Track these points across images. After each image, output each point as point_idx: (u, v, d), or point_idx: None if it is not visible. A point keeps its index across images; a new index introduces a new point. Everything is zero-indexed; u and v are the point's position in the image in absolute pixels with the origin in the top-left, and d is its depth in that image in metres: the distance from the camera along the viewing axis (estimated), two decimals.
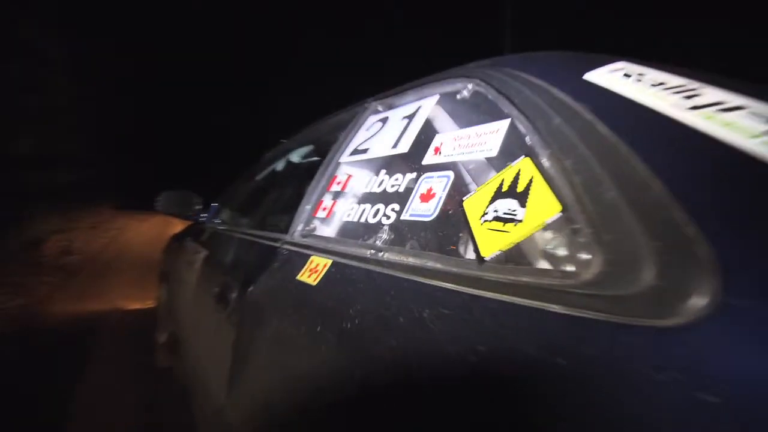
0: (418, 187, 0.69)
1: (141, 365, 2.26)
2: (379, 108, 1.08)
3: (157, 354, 2.23)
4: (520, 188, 0.51)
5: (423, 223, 0.63)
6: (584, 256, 0.41)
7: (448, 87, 0.86)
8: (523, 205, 0.49)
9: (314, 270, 0.76)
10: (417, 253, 0.60)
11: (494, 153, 0.59)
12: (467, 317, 0.45)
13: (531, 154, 0.53)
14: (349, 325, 0.57)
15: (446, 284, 0.50)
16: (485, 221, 0.52)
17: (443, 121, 0.79)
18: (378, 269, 0.62)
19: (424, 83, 0.97)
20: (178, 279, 1.87)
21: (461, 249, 0.52)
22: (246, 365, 0.83)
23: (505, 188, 0.53)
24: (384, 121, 0.98)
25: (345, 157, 1.01)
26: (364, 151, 0.95)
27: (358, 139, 1.03)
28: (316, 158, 1.46)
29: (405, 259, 0.60)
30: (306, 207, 1.01)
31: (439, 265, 0.54)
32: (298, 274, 0.80)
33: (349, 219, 0.82)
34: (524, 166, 0.53)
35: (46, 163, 6.31)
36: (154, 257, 3.25)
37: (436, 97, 0.86)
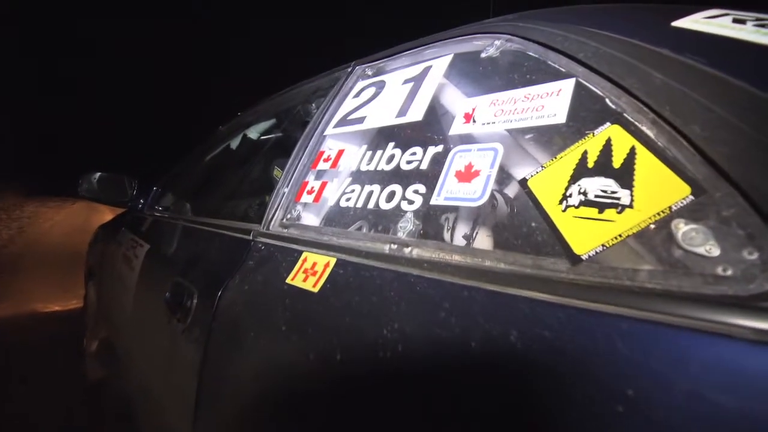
0: (451, 163, 0.54)
1: (67, 380, 1.91)
2: (368, 72, 0.91)
3: (87, 365, 1.90)
4: (616, 163, 0.39)
5: (469, 209, 0.49)
6: (746, 255, 0.30)
7: (465, 46, 0.72)
8: (626, 185, 0.37)
9: (312, 271, 0.59)
10: (470, 251, 0.46)
11: (560, 120, 0.46)
12: (577, 337, 0.32)
13: (621, 120, 0.41)
14: (388, 354, 0.42)
15: (529, 293, 0.37)
16: (569, 207, 0.40)
17: (467, 84, 0.65)
18: (413, 271, 0.47)
19: (425, 44, 0.82)
20: (112, 277, 1.57)
21: (537, 243, 0.40)
22: (220, 396, 0.65)
23: (591, 163, 0.41)
24: (379, 86, 0.82)
25: (331, 129, 0.83)
26: (359, 120, 0.78)
27: (345, 108, 0.85)
28: (284, 134, 1.25)
29: (453, 258, 0.46)
30: (283, 190, 0.82)
31: (511, 267, 0.41)
32: (287, 275, 0.63)
33: (350, 204, 0.66)
34: (615, 135, 0.41)
35: None
36: (76, 251, 2.78)
37: (450, 57, 0.71)
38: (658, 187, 0.35)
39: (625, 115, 0.41)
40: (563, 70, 0.50)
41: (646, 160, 0.37)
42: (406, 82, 0.76)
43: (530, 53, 0.57)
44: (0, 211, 6.55)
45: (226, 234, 0.90)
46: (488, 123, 0.54)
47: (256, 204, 1.03)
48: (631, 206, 0.36)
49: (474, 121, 0.56)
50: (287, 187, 0.82)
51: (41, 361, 2.14)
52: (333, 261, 0.58)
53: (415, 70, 0.76)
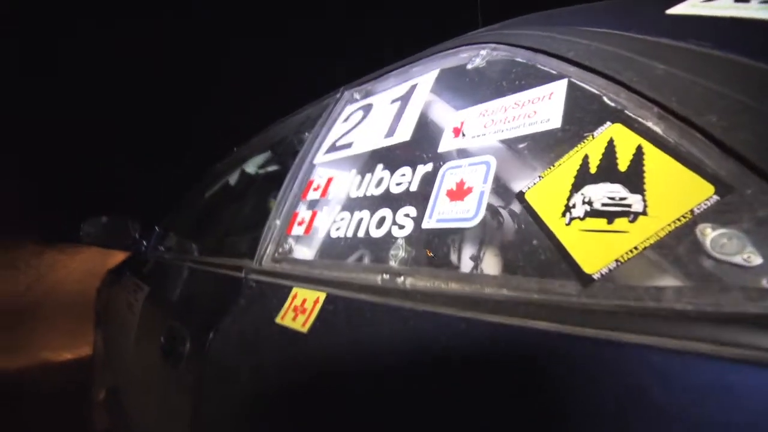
0: (441, 181, 0.50)
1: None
2: (356, 96, 0.89)
3: (95, 415, 1.83)
4: (622, 165, 0.34)
5: (462, 231, 0.45)
6: None
7: (450, 60, 0.69)
8: (637, 189, 0.33)
9: (301, 309, 0.55)
10: (467, 277, 0.41)
11: (554, 124, 0.42)
12: (596, 374, 0.27)
13: (622, 117, 0.36)
14: (380, 398, 0.37)
15: (535, 323, 0.32)
16: (573, 219, 0.35)
17: (455, 98, 0.61)
18: (406, 304, 0.42)
19: (412, 62, 0.80)
20: (116, 323, 1.53)
21: (541, 264, 0.35)
22: None
23: (593, 168, 0.36)
24: (366, 109, 0.80)
25: (321, 157, 0.80)
26: (347, 146, 0.75)
27: (334, 134, 0.83)
28: (278, 166, 1.23)
29: (450, 287, 0.41)
30: (275, 222, 0.79)
31: (514, 293, 0.35)
32: (276, 315, 0.58)
33: (340, 234, 0.62)
34: (617, 134, 0.36)
35: None
36: (88, 297, 2.79)
37: (436, 73, 0.68)
38: (675, 189, 0.30)
39: (626, 112, 0.36)
40: (554, 72, 0.47)
41: (656, 159, 0.33)
42: (393, 102, 0.73)
43: (518, 59, 0.54)
44: (20, 260, 6.67)
45: (219, 272, 0.86)
46: (478, 135, 0.50)
47: (249, 239, 1.00)
48: (644, 213, 0.31)
49: (463, 135, 0.53)
50: (278, 219, 0.79)
51: (51, 411, 2.09)
52: (323, 296, 0.53)
53: (402, 89, 0.73)
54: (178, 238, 1.40)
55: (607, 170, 0.35)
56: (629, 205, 0.32)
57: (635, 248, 0.30)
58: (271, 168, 1.29)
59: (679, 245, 0.29)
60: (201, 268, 0.97)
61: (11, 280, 5.52)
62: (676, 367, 0.24)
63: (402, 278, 0.47)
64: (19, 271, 6.05)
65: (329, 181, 0.73)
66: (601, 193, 0.34)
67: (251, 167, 1.37)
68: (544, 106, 0.45)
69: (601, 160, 0.36)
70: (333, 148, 0.79)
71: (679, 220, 0.29)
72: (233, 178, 1.44)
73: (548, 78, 0.47)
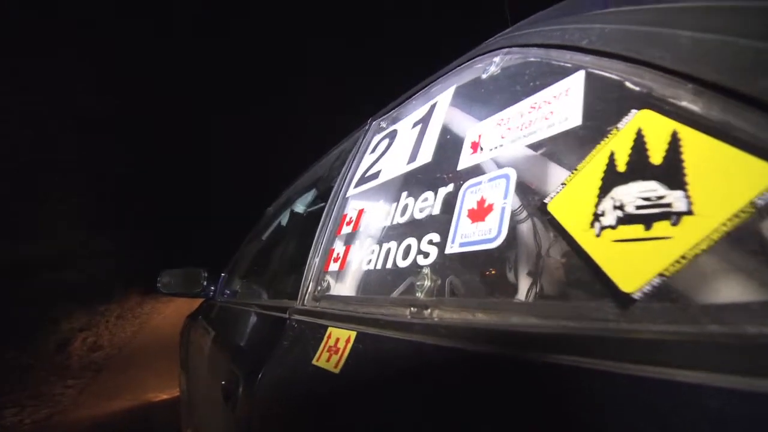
0: (462, 201, 0.47)
1: None
2: (383, 124, 0.89)
3: None
4: (655, 158, 0.29)
5: (485, 253, 0.40)
6: None
7: (466, 73, 0.66)
8: (677, 184, 0.27)
9: (334, 349, 0.53)
10: (493, 306, 0.37)
11: (574, 123, 0.37)
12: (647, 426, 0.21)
13: (650, 101, 0.31)
14: None
15: (569, 358, 0.26)
16: (604, 229, 0.30)
17: (472, 111, 0.58)
18: (430, 340, 0.39)
19: (431, 82, 0.78)
20: (193, 365, 1.65)
21: (573, 285, 0.30)
22: None
23: (622, 166, 0.31)
24: (392, 136, 0.79)
25: (352, 190, 0.81)
26: (374, 176, 0.74)
27: (363, 165, 0.83)
28: (320, 203, 1.27)
29: (476, 318, 0.37)
30: (314, 261, 0.79)
31: (544, 322, 0.30)
32: (313, 356, 0.57)
33: (370, 267, 0.60)
34: (646, 122, 0.31)
35: (64, 260, 6.38)
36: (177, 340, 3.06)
37: (452, 89, 0.66)
38: (727, 177, 0.24)
39: (653, 94, 0.31)
40: (568, 65, 0.42)
41: (697, 145, 0.27)
42: (415, 125, 0.72)
43: (531, 59, 0.50)
44: (127, 311, 7.59)
45: (268, 314, 0.88)
46: (496, 147, 0.46)
47: (294, 279, 1.02)
48: (690, 212, 0.25)
49: (481, 149, 0.49)
50: (317, 257, 0.80)
51: None
52: (353, 335, 0.51)
53: (422, 111, 0.72)
54: (237, 283, 1.48)
55: (639, 166, 0.29)
56: (669, 205, 0.26)
57: (683, 257, 0.24)
58: (315, 206, 1.33)
59: (741, 249, 0.23)
60: (254, 311, 1.01)
61: (121, 328, 6.28)
62: (747, 413, 0.18)
63: (429, 311, 0.43)
64: (126, 320, 6.87)
65: (360, 213, 0.72)
66: (633, 194, 0.29)
67: (299, 207, 1.43)
68: (561, 105, 0.40)
69: (630, 155, 0.31)
70: (362, 179, 0.79)
71: (737, 216, 0.23)
72: (284, 219, 1.51)
73: (563, 73, 0.42)
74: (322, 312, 0.66)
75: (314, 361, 0.55)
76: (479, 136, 0.51)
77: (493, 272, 0.40)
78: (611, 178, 0.31)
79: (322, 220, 0.86)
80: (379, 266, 0.58)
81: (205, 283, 1.64)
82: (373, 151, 0.83)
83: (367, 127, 0.96)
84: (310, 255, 0.83)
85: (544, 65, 0.46)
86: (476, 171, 0.48)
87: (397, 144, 0.74)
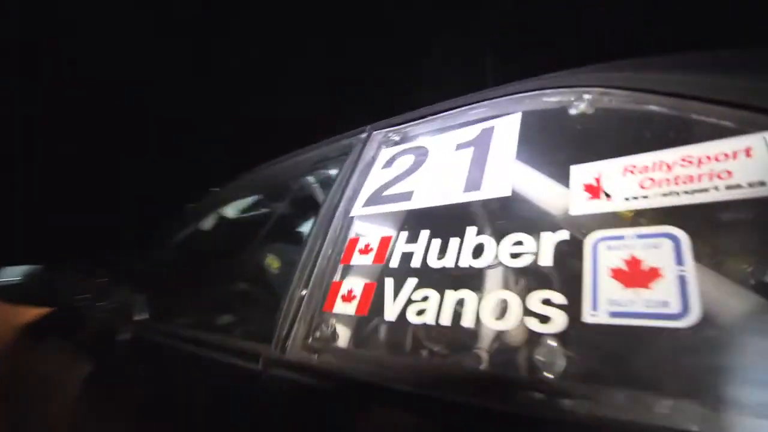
0: (595, 257, 0.37)
1: None
2: (393, 137, 0.76)
3: None
4: None
5: (667, 333, 0.31)
6: None
7: (532, 103, 0.59)
8: None
9: None
10: (680, 411, 0.27)
11: None
12: None
13: None
14: None
15: None
16: None
17: (563, 148, 0.51)
18: None
19: (469, 103, 0.69)
20: (32, 402, 1.16)
21: None
22: None
23: None
24: (418, 153, 0.67)
25: (360, 209, 0.65)
26: (402, 197, 0.61)
27: (375, 181, 0.68)
28: (275, 212, 1.04)
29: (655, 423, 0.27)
30: (300, 294, 0.60)
31: None
32: None
33: (426, 319, 0.45)
34: None
35: None
36: None
37: (517, 116, 0.58)
38: None
39: None
40: (729, 123, 0.38)
41: None
42: (460, 147, 0.61)
43: (653, 107, 0.45)
44: None
45: (221, 359, 0.63)
46: (635, 198, 0.39)
47: (260, 315, 0.78)
48: None
49: (608, 196, 0.41)
50: (305, 289, 0.61)
51: None
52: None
53: (469, 133, 0.62)
54: (139, 298, 1.11)
55: None
56: None
57: None
58: (263, 215, 1.10)
59: None
60: (192, 351, 0.72)
61: None
62: None
63: (569, 402, 0.32)
64: None
65: (385, 241, 0.57)
66: None
67: (232, 211, 1.17)
68: (742, 166, 0.34)
69: None
70: (378, 198, 0.64)
71: None
72: (221, 226, 1.21)
73: (725, 130, 0.37)
74: (332, 371, 0.48)
75: None
76: (596, 179, 0.43)
77: (677, 363, 0.31)
78: None
79: (308, 240, 0.68)
80: (444, 321, 0.44)
81: (73, 288, 1.20)
82: (388, 166, 0.70)
83: (365, 136, 0.82)
84: (292, 285, 0.63)
85: (684, 119, 0.41)
86: (606, 221, 0.40)
87: (432, 165, 0.63)
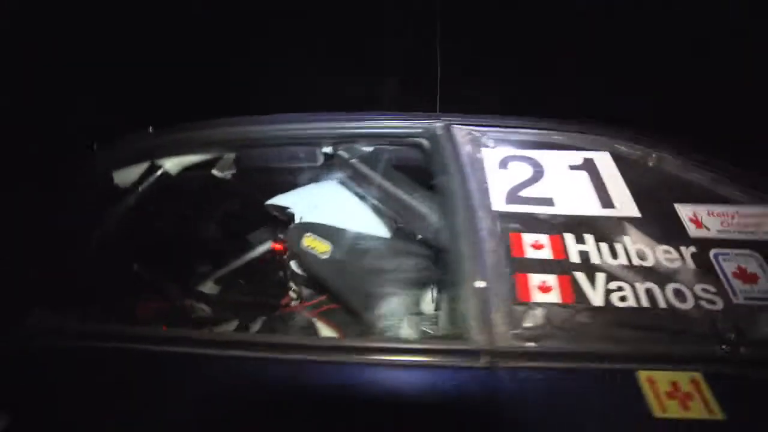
0: (719, 264, 0.64)
1: None
2: (488, 142, 0.83)
3: None
4: None
5: None
6: None
7: (612, 147, 0.82)
8: None
9: (679, 394, 0.51)
10: None
11: None
12: None
13: None
14: None
15: None
16: None
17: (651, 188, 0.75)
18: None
19: (561, 130, 0.85)
20: None
21: None
22: None
23: None
24: (532, 165, 0.78)
25: (505, 206, 0.71)
26: (541, 201, 0.73)
27: (500, 180, 0.75)
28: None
29: None
30: (476, 286, 0.61)
31: None
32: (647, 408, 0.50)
33: (629, 304, 0.60)
34: None
35: None
36: None
37: (607, 155, 0.80)
38: None
39: None
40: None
41: None
42: (573, 168, 0.77)
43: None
44: None
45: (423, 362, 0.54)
46: (726, 231, 0.68)
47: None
48: None
49: (708, 229, 0.68)
50: (482, 281, 0.62)
51: None
52: (698, 376, 0.53)
53: (575, 157, 0.79)
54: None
55: None
56: None
57: None
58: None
59: None
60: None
61: None
62: None
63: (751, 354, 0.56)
64: None
65: (556, 240, 0.67)
66: None
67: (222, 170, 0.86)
68: None
69: None
70: (518, 198, 0.73)
71: None
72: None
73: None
74: (555, 354, 0.56)
75: (656, 414, 0.49)
76: (695, 214, 0.70)
77: None
78: None
79: (454, 230, 0.68)
80: (643, 304, 0.60)
81: None
82: (504, 168, 0.78)
83: (441, 127, 0.83)
84: (459, 276, 0.63)
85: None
86: (713, 243, 0.67)
87: (554, 177, 0.76)
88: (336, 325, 0.80)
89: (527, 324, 0.59)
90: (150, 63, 2.04)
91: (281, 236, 0.93)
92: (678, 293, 0.61)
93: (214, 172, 0.94)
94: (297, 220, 0.91)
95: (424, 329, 0.72)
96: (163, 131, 0.91)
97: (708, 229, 0.69)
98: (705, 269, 0.64)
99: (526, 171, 0.77)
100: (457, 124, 0.85)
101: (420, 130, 0.85)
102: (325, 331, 0.79)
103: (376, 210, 0.89)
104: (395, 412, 0.52)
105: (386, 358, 0.58)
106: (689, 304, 0.61)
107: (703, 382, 0.53)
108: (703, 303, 0.61)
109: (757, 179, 0.74)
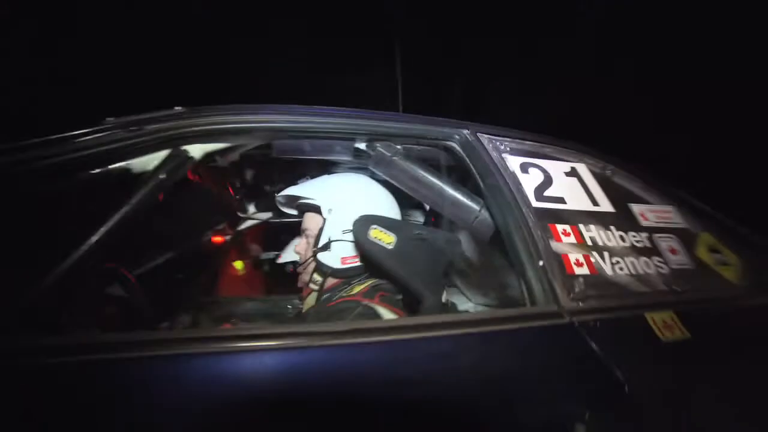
0: (660, 241, 0.97)
1: None
2: (506, 147, 1.02)
3: None
4: None
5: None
6: None
7: (585, 163, 1.10)
8: None
9: (667, 325, 0.79)
10: None
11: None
12: None
13: None
14: None
15: None
16: None
17: (611, 192, 1.06)
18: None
19: (553, 145, 1.09)
20: None
21: None
22: None
23: None
24: (541, 171, 1.01)
25: (536, 203, 0.91)
26: (557, 200, 0.95)
27: (525, 182, 0.95)
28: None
29: None
30: (538, 264, 0.80)
31: None
32: (654, 336, 0.76)
33: (629, 270, 0.87)
34: None
35: None
36: None
37: (583, 166, 1.08)
38: None
39: None
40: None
41: None
42: (567, 175, 1.03)
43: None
44: None
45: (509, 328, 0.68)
46: (655, 222, 1.02)
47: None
48: None
49: (648, 220, 1.02)
50: (540, 260, 0.81)
51: None
52: (673, 314, 0.81)
53: (565, 167, 1.04)
54: None
55: None
56: None
57: None
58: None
59: None
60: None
61: None
62: None
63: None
64: None
65: (575, 229, 0.90)
66: None
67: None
68: (668, 216, 1.06)
69: None
70: (543, 197, 0.94)
71: None
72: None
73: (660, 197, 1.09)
74: (599, 308, 0.79)
75: (663, 338, 0.76)
76: (641, 211, 1.03)
77: None
78: None
79: (507, 223, 0.85)
80: (632, 272, 0.88)
81: None
82: (525, 172, 0.98)
83: (467, 134, 0.99)
84: (523, 259, 0.81)
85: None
86: (654, 229, 1.00)
87: (558, 181, 0.99)
88: (399, 310, 0.87)
89: (577, 290, 0.80)
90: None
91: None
92: (646, 264, 0.91)
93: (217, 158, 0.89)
94: (325, 212, 0.94)
95: (490, 303, 0.87)
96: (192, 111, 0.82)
97: (650, 221, 1.03)
98: (653, 247, 0.96)
99: (539, 175, 0.99)
100: (480, 132, 1.02)
101: (451, 135, 0.99)
102: (389, 315, 0.85)
103: (413, 203, 0.99)
104: (510, 377, 0.67)
105: (481, 329, 0.71)
106: (652, 270, 0.91)
107: (675, 316, 0.82)
108: (658, 269, 0.92)
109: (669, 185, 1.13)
